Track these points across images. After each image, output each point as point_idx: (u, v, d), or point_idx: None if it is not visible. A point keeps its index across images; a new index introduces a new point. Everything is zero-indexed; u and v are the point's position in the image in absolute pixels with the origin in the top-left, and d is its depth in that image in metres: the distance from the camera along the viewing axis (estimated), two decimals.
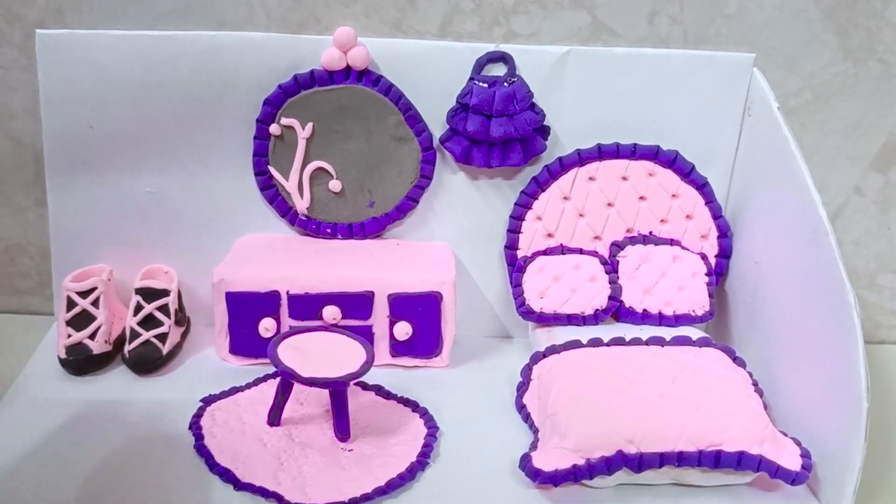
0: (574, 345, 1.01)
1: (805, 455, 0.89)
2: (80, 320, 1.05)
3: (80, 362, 1.03)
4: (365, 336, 1.02)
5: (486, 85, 1.08)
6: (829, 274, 0.89)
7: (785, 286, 1.00)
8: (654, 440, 0.86)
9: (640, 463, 0.85)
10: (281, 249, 1.13)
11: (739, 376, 0.96)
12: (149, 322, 1.07)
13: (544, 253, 1.13)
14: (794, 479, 0.87)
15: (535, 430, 0.96)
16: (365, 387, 1.03)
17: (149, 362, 1.04)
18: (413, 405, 1.00)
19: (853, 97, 1.17)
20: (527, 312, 1.10)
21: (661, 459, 0.86)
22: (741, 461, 0.86)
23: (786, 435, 0.91)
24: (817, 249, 0.92)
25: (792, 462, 0.87)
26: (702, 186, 1.13)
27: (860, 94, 1.18)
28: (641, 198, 1.14)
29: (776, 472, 0.87)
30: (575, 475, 0.85)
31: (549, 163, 1.13)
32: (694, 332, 1.07)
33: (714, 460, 0.86)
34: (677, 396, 0.90)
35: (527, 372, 1.03)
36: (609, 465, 0.85)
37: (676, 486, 0.89)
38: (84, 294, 1.06)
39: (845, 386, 0.85)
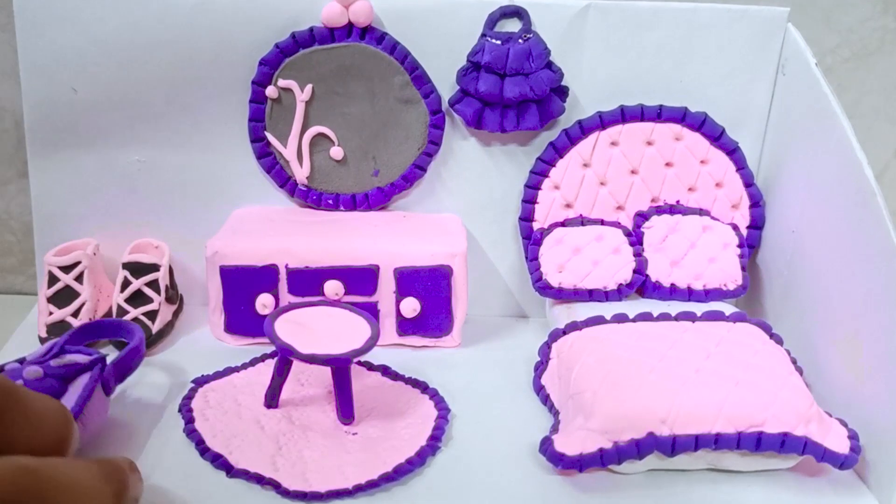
0: (597, 321, 0.94)
1: (853, 436, 0.81)
2: (63, 297, 0.98)
3: None
4: (370, 313, 0.95)
5: (499, 42, 1.00)
6: (878, 237, 0.81)
7: (826, 255, 0.92)
8: (688, 421, 0.78)
9: (673, 446, 0.78)
10: (279, 221, 1.05)
11: (779, 353, 0.88)
12: (137, 299, 0.99)
13: (562, 224, 1.06)
14: (842, 462, 0.79)
15: (556, 412, 0.88)
16: (370, 367, 0.96)
17: None
18: (422, 386, 0.93)
19: (894, 54, 1.09)
20: (544, 287, 1.03)
21: (697, 442, 0.78)
22: (785, 443, 0.78)
23: (830, 415, 0.83)
24: (863, 212, 0.84)
25: (839, 444, 0.80)
26: (732, 151, 1.05)
27: None
28: (668, 164, 1.06)
29: (823, 455, 0.79)
30: (602, 459, 0.78)
31: (567, 126, 1.05)
32: (726, 308, 0.99)
33: (755, 443, 0.78)
34: (713, 372, 0.82)
35: (545, 350, 0.95)
36: (640, 448, 0.77)
37: (712, 471, 0.81)
38: (67, 269, 0.99)
39: None
